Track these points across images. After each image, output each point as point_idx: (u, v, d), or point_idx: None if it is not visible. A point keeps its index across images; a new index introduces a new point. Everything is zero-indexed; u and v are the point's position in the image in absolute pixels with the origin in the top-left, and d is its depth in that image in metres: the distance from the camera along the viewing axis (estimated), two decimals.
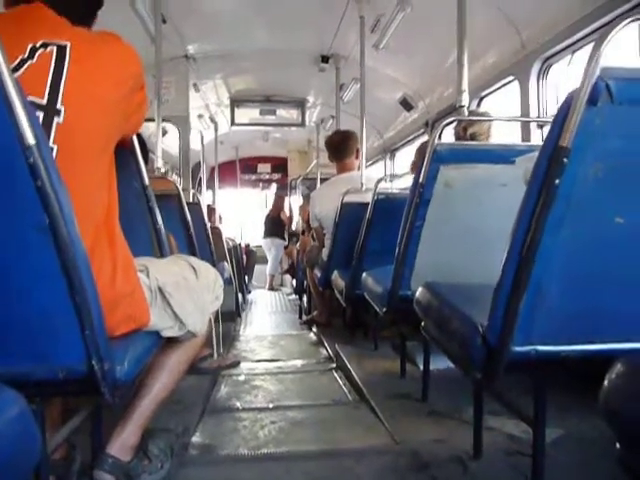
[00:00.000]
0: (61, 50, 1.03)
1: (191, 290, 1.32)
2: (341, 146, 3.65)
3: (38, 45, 1.03)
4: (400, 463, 1.53)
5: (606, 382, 0.77)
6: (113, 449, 1.26)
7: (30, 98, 0.96)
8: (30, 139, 0.82)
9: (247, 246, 8.13)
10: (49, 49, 1.03)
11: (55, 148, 0.99)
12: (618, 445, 0.74)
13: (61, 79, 1.01)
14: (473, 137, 2.42)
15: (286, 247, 7.98)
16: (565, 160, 0.93)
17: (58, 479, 1.25)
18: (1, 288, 0.89)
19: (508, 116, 3.26)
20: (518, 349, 1.04)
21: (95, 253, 1.04)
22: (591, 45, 0.95)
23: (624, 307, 1.03)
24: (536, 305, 1.01)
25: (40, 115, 0.98)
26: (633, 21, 0.98)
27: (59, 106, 1.00)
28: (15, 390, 0.69)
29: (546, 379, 1.18)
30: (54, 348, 0.93)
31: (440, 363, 2.11)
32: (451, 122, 1.98)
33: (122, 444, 1.27)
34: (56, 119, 1.00)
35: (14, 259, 0.89)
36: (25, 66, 1.01)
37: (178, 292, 1.26)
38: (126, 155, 1.45)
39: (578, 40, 2.60)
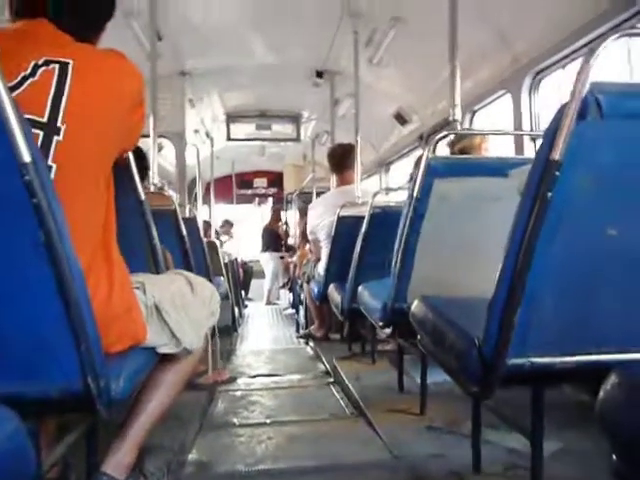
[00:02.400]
0: (63, 68, 1.03)
1: (187, 307, 1.31)
2: (344, 159, 3.69)
3: (40, 62, 1.03)
4: (398, 478, 1.52)
5: (601, 393, 0.77)
6: (108, 468, 1.25)
7: (30, 116, 0.97)
8: (26, 157, 0.82)
9: (244, 263, 8.11)
10: (51, 67, 1.03)
11: (54, 166, 0.99)
12: (614, 457, 0.74)
13: (62, 97, 1.01)
14: (462, 152, 2.44)
15: (282, 257, 7.97)
16: (557, 173, 0.94)
17: None
18: None
19: (501, 130, 3.29)
20: (514, 361, 1.04)
21: (92, 270, 1.04)
22: (581, 59, 0.96)
23: (618, 318, 1.04)
24: (531, 317, 1.02)
25: (40, 133, 0.98)
26: (622, 36, 0.99)
27: (59, 124, 1.00)
28: (9, 408, 0.69)
29: (543, 391, 1.18)
30: (49, 366, 0.92)
31: (438, 376, 2.10)
32: (445, 136, 2.00)
33: (117, 462, 1.26)
34: (56, 137, 1.00)
35: (10, 276, 0.89)
36: (26, 83, 1.01)
37: (174, 309, 1.25)
38: (122, 170, 1.45)
39: (568, 54, 2.64)
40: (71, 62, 1.04)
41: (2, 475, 0.63)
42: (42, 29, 1.10)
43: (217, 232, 7.59)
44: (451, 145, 2.45)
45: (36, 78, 1.02)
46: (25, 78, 1.01)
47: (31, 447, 0.72)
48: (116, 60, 1.15)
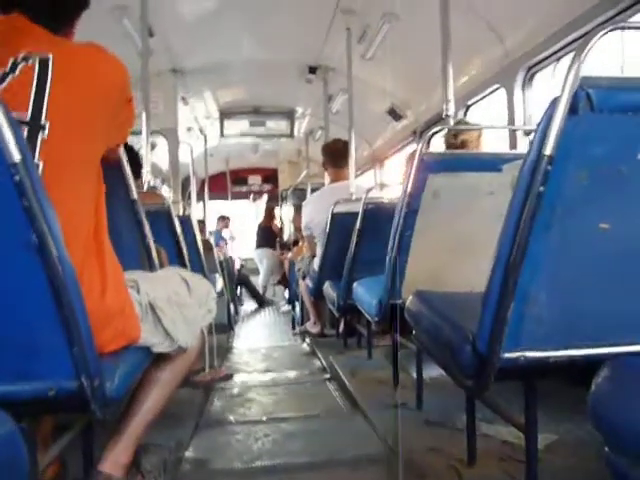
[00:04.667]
0: (43, 63, 1.01)
1: (182, 305, 1.31)
2: (338, 155, 3.68)
3: (20, 58, 1.01)
4: (394, 472, 1.53)
5: (593, 386, 0.78)
6: (105, 466, 1.25)
7: (13, 114, 0.93)
8: (16, 156, 0.82)
9: (241, 267, 8.05)
10: (31, 62, 1.01)
11: (41, 164, 0.98)
12: (606, 448, 0.74)
13: (44, 93, 0.99)
14: (464, 144, 2.44)
15: (281, 253, 7.96)
16: (549, 168, 0.94)
17: None
18: None
19: (494, 124, 3.29)
20: (507, 356, 1.04)
21: (84, 269, 1.03)
22: (572, 54, 0.97)
23: (610, 312, 1.04)
24: (524, 311, 1.02)
25: (24, 131, 0.96)
26: (613, 30, 1.00)
27: (43, 121, 0.98)
28: (2, 410, 0.69)
29: (537, 385, 1.18)
30: (43, 366, 0.92)
31: (433, 371, 2.11)
32: (438, 131, 2.00)
33: (114, 461, 1.25)
34: (41, 135, 0.98)
35: (1, 277, 0.88)
36: (7, 80, 0.99)
37: (169, 307, 1.25)
38: (114, 169, 1.45)
39: (560, 48, 2.64)
40: (51, 56, 1.02)
41: None
42: (19, 24, 1.08)
43: (212, 233, 7.56)
44: (453, 137, 2.44)
45: (16, 74, 1.00)
46: (5, 75, 1.00)
47: (25, 448, 0.72)
48: (97, 54, 1.13)
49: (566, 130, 0.93)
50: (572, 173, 0.97)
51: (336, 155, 3.70)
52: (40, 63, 1.01)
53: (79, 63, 1.08)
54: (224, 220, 8.86)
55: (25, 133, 0.96)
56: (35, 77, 1.00)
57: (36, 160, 0.97)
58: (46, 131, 0.99)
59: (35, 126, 0.98)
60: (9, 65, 1.00)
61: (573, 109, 0.93)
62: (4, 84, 0.99)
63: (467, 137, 2.45)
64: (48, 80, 1.00)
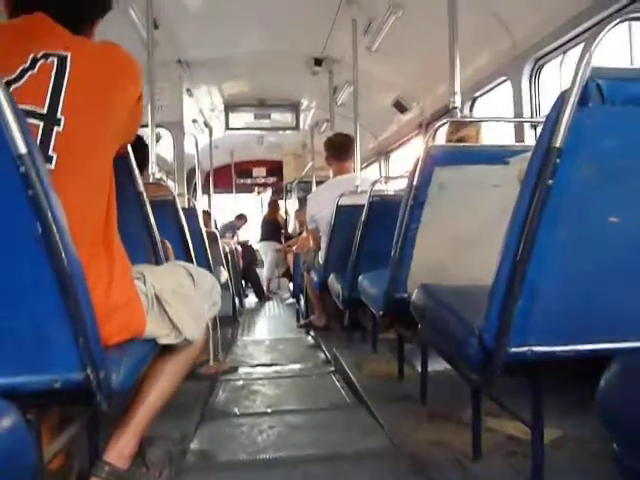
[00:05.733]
0: (62, 61, 1.05)
1: (188, 297, 1.32)
2: (343, 148, 3.68)
3: (39, 56, 1.05)
4: (399, 466, 1.53)
5: (602, 382, 0.77)
6: (110, 457, 1.25)
7: (30, 107, 1.00)
8: (22, 148, 0.82)
9: (247, 246, 8.06)
10: (50, 60, 1.05)
11: (55, 156, 1.01)
12: (615, 446, 0.74)
13: (61, 89, 1.03)
14: (462, 141, 2.43)
15: (278, 250, 7.97)
16: (558, 160, 0.93)
17: None
18: None
19: (501, 117, 3.27)
20: (514, 350, 1.04)
21: (92, 262, 1.04)
22: (582, 45, 0.95)
23: (619, 306, 1.04)
24: (531, 306, 1.01)
25: (40, 124, 1.01)
26: (622, 21, 0.98)
27: (59, 115, 1.02)
28: (8, 401, 0.69)
29: (543, 380, 1.18)
30: (49, 358, 0.92)
31: (438, 365, 2.11)
32: (444, 124, 1.99)
33: (119, 452, 1.26)
34: (56, 128, 1.02)
35: (7, 268, 0.88)
36: (26, 76, 1.03)
37: (175, 299, 1.25)
38: (120, 161, 1.44)
39: (569, 40, 2.61)
40: (69, 55, 1.06)
41: (2, 468, 0.63)
42: (40, 23, 1.12)
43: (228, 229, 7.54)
44: (450, 134, 2.44)
45: (35, 71, 1.04)
46: (25, 71, 1.04)
47: (31, 440, 0.72)
48: (114, 53, 1.16)
49: (576, 122, 0.91)
50: (581, 166, 0.96)
51: (338, 148, 3.70)
52: (59, 60, 1.05)
53: (96, 61, 1.12)
54: (242, 218, 8.92)
55: (41, 126, 1.00)
56: (53, 74, 1.04)
57: (50, 152, 1.00)
58: (61, 125, 1.02)
59: (51, 120, 1.02)
60: (29, 61, 1.04)
61: (583, 100, 0.91)
62: (23, 80, 1.03)
63: (466, 134, 2.44)
64: (66, 77, 1.04)
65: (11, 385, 0.89)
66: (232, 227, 8.66)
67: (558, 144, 0.92)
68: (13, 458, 0.65)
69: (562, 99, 0.93)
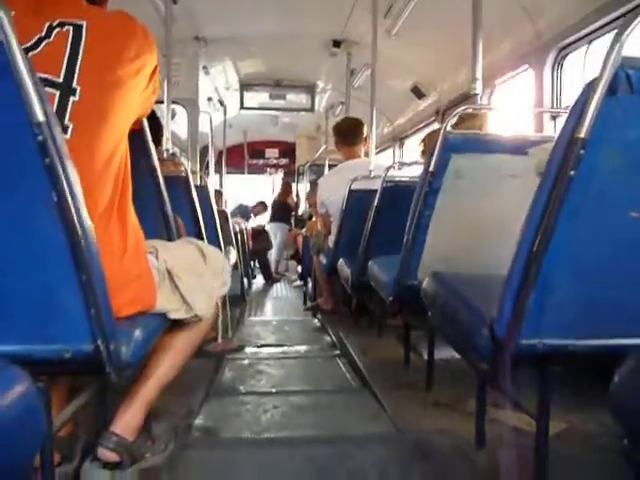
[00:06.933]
0: (77, 30, 1.05)
1: (199, 274, 1.32)
2: (351, 132, 3.65)
3: (55, 24, 1.05)
4: (402, 452, 1.53)
5: (616, 378, 0.76)
6: (117, 428, 1.27)
7: (46, 76, 1.00)
8: (40, 116, 0.82)
9: (263, 231, 8.02)
10: (66, 28, 1.05)
11: (71, 126, 1.01)
12: (626, 441, 0.73)
13: (77, 58, 1.03)
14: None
15: (290, 230, 7.96)
16: (582, 151, 0.91)
17: (62, 456, 1.26)
18: (8, 265, 0.89)
19: (522, 106, 3.22)
20: (525, 342, 1.03)
21: (106, 233, 1.04)
22: (607, 36, 0.92)
23: (635, 302, 1.02)
24: (545, 298, 1.00)
25: (56, 93, 1.01)
26: None
27: (75, 85, 1.02)
28: (21, 368, 0.69)
29: (552, 373, 1.17)
30: (60, 327, 0.93)
31: (444, 353, 2.10)
32: (465, 109, 1.95)
33: (126, 424, 1.28)
34: (72, 97, 1.02)
35: (21, 236, 0.89)
36: (42, 45, 1.03)
37: (186, 275, 1.26)
38: (135, 135, 1.44)
39: (594, 30, 2.55)
40: (85, 24, 1.06)
41: (14, 432, 0.64)
42: None
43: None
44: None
45: (51, 39, 1.04)
46: (41, 39, 1.03)
47: (42, 406, 0.73)
48: (129, 23, 1.15)
49: (603, 112, 0.89)
50: (606, 157, 0.94)
51: (346, 133, 3.68)
52: (74, 29, 1.05)
53: (111, 31, 1.12)
54: (261, 205, 8.87)
55: (57, 95, 1.01)
56: (69, 43, 1.04)
57: (67, 121, 1.01)
58: (77, 94, 1.02)
59: (67, 89, 1.02)
60: (44, 30, 1.04)
61: (612, 90, 0.89)
62: (39, 48, 1.03)
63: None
64: (82, 46, 1.04)
65: (23, 352, 0.90)
66: (246, 212, 8.59)
67: (583, 134, 0.90)
68: (25, 422, 0.66)
69: (589, 88, 0.90)
